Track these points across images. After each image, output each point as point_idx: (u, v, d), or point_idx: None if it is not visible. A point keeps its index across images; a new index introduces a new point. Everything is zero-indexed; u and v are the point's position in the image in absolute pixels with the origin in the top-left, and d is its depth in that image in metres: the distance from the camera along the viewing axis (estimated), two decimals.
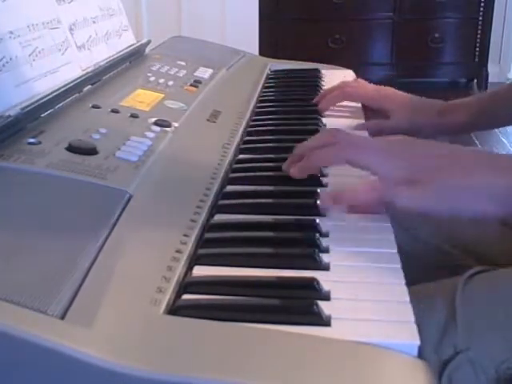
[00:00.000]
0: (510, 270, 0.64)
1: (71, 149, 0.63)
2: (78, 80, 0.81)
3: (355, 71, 1.22)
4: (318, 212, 0.61)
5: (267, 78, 1.15)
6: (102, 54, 0.94)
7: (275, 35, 3.13)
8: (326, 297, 0.47)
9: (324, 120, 0.92)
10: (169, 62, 1.04)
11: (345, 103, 0.98)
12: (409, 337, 0.43)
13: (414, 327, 0.44)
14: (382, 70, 3.23)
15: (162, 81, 0.92)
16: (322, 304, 0.45)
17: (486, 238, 0.81)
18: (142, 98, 0.83)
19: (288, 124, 0.91)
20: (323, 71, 1.20)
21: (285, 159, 0.76)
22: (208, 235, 0.57)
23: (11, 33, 0.73)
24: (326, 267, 0.52)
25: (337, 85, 1.00)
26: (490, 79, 3.31)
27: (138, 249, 0.51)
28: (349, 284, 0.50)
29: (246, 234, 0.58)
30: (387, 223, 0.59)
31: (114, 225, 0.53)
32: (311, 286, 0.48)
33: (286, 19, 3.22)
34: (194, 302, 0.47)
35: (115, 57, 0.96)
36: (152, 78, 0.93)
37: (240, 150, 0.78)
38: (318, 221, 0.58)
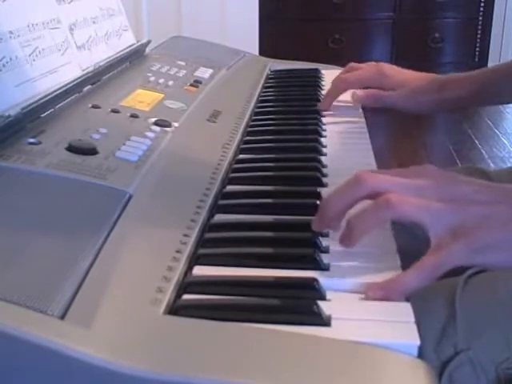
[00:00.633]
0: (509, 271, 0.64)
1: (71, 149, 0.63)
2: (78, 80, 0.81)
3: None
4: None
5: (267, 78, 1.15)
6: (102, 54, 0.94)
7: (275, 35, 3.13)
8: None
9: (324, 120, 0.92)
10: (169, 62, 1.04)
11: (343, 103, 0.97)
12: (409, 337, 0.43)
13: (414, 327, 0.44)
14: None
15: (161, 81, 0.92)
16: (322, 304, 0.46)
17: None
18: (142, 98, 0.83)
19: (288, 124, 0.91)
20: (323, 71, 1.20)
21: (285, 159, 0.77)
22: (208, 235, 0.57)
23: (11, 33, 0.73)
24: (326, 267, 0.52)
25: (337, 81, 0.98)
26: None
27: (137, 249, 0.51)
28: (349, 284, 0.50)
29: (246, 233, 0.58)
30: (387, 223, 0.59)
31: (114, 225, 0.53)
32: (311, 286, 0.48)
33: (286, 19, 3.22)
34: (193, 302, 0.47)
35: (115, 57, 0.96)
36: (152, 78, 0.93)
37: (240, 150, 0.78)
38: None
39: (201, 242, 0.55)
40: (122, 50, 1.00)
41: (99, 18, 0.97)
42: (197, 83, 0.96)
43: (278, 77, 1.17)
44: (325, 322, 0.44)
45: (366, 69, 0.97)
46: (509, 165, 2.51)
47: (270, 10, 3.03)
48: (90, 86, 0.85)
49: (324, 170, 0.71)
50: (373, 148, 0.81)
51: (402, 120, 2.73)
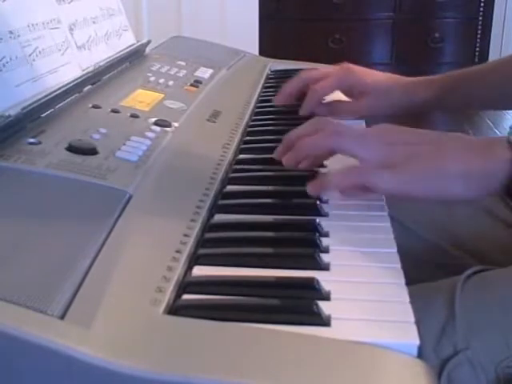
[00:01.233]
0: (509, 270, 0.64)
1: (71, 149, 0.63)
2: (78, 80, 0.81)
3: None
4: (318, 212, 0.61)
5: (267, 78, 1.15)
6: (102, 54, 0.94)
7: (275, 35, 3.13)
8: (326, 297, 0.47)
9: None
10: (169, 62, 1.04)
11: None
12: (408, 337, 0.43)
13: (414, 327, 0.44)
14: (382, 70, 3.21)
15: (161, 81, 0.93)
16: (322, 304, 0.46)
17: (486, 238, 0.81)
18: (142, 98, 0.84)
19: (288, 124, 0.91)
20: None
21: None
22: (208, 235, 0.57)
23: (11, 33, 0.73)
24: (326, 267, 0.52)
25: (298, 79, 0.90)
26: None
27: (137, 249, 0.51)
28: (349, 284, 0.50)
29: (246, 233, 0.58)
30: (387, 223, 0.60)
31: (114, 225, 0.53)
32: (311, 286, 0.48)
33: (286, 19, 3.22)
34: (193, 302, 0.47)
35: (115, 57, 0.96)
36: (152, 78, 0.93)
37: (240, 150, 0.78)
38: (318, 221, 0.58)
39: (201, 242, 0.55)
40: (121, 50, 1.00)
41: (99, 18, 0.97)
42: (197, 83, 0.96)
43: (277, 77, 1.17)
44: (325, 322, 0.44)
45: (334, 78, 0.90)
46: None
47: (269, 9, 3.03)
48: (90, 86, 0.85)
49: (324, 170, 0.71)
50: None
51: (402, 120, 2.73)
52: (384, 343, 0.42)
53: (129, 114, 0.77)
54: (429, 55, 3.29)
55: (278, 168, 0.68)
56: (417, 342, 0.42)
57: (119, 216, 0.54)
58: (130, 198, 0.58)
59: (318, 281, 0.48)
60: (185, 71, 1.00)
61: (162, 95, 0.86)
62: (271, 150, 0.80)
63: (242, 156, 0.76)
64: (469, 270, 0.63)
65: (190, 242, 0.54)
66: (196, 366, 0.39)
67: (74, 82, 0.80)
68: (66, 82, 0.78)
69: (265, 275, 0.51)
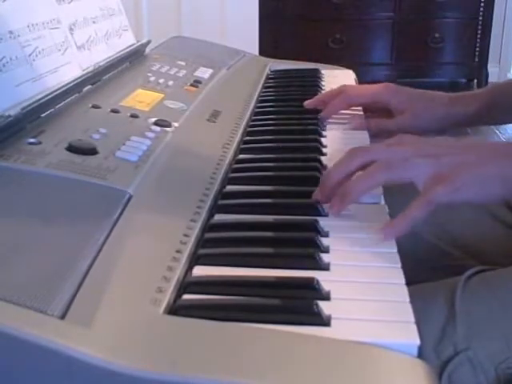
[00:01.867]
0: (509, 270, 0.64)
1: (71, 149, 0.63)
2: (78, 80, 0.81)
3: (355, 71, 1.22)
4: (318, 212, 0.61)
5: (267, 78, 1.15)
6: (102, 54, 0.94)
7: (275, 35, 3.13)
8: (326, 297, 0.47)
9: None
10: (169, 62, 1.04)
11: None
12: (409, 337, 0.43)
13: (414, 327, 0.44)
14: (382, 70, 3.23)
15: (161, 81, 0.93)
16: (322, 304, 0.46)
17: (486, 238, 0.81)
18: (141, 98, 0.84)
19: (288, 124, 0.91)
20: (323, 71, 1.20)
21: (285, 159, 0.77)
22: (208, 235, 0.57)
23: (11, 33, 0.73)
24: (326, 267, 0.52)
25: (337, 89, 0.95)
26: (490, 79, 3.31)
27: (137, 249, 0.51)
28: (349, 284, 0.50)
29: (246, 233, 0.58)
30: None
31: (114, 225, 0.53)
32: (311, 286, 0.48)
33: (286, 19, 3.22)
34: (194, 302, 0.47)
35: (115, 57, 0.96)
36: (152, 78, 0.93)
37: (240, 150, 0.78)
38: (318, 221, 0.58)
39: (201, 242, 0.55)
40: (121, 50, 1.00)
41: (99, 18, 0.97)
42: (197, 83, 0.96)
43: (277, 77, 1.17)
44: (325, 321, 0.44)
45: (374, 86, 0.95)
46: None
47: (270, 9, 3.03)
48: (89, 86, 0.85)
49: (324, 170, 0.71)
50: None
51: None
52: (384, 343, 0.42)
53: (129, 114, 0.76)
54: (429, 55, 3.29)
55: (278, 168, 0.68)
56: (417, 342, 0.42)
57: (119, 216, 0.54)
58: (130, 197, 0.58)
59: (318, 281, 0.48)
60: (185, 71, 1.00)
61: (162, 95, 0.86)
62: (271, 150, 0.81)
63: (241, 156, 0.76)
64: (469, 270, 0.63)
65: (190, 241, 0.54)
66: (196, 366, 0.39)
67: (74, 82, 0.80)
68: (65, 82, 0.78)
69: (265, 275, 0.51)
